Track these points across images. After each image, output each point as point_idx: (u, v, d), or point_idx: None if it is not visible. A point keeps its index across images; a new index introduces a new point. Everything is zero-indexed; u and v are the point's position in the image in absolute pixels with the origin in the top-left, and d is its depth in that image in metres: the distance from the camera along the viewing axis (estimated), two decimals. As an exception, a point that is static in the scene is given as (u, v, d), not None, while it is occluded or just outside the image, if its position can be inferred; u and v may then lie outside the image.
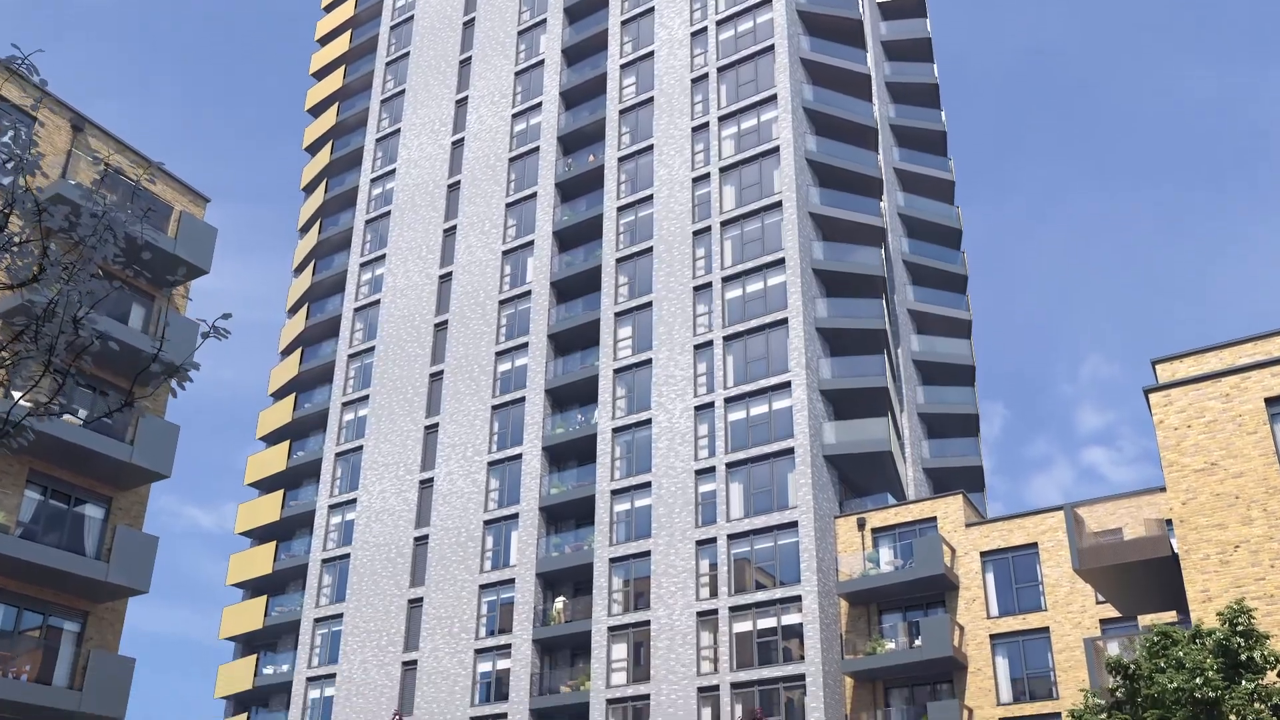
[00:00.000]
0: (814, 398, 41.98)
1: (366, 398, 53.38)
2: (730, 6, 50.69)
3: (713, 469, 42.20)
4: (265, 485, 55.27)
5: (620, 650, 41.47)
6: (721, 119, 48.54)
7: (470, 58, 58.93)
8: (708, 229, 46.72)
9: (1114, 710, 19.57)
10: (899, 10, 60.58)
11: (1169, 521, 25.86)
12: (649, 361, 45.83)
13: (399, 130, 59.65)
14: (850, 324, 44.10)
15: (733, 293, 44.98)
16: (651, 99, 51.29)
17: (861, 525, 39.92)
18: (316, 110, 65.83)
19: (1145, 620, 31.45)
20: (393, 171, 58.70)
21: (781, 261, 44.14)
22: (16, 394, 6.73)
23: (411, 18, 62.69)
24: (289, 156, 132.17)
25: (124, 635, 26.34)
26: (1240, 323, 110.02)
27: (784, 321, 43.07)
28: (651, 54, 52.35)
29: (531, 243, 51.80)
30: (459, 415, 49.84)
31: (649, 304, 46.95)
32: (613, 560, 42.95)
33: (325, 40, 68.09)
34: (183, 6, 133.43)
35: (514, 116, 55.58)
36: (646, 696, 40.03)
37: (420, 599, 47.12)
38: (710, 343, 44.52)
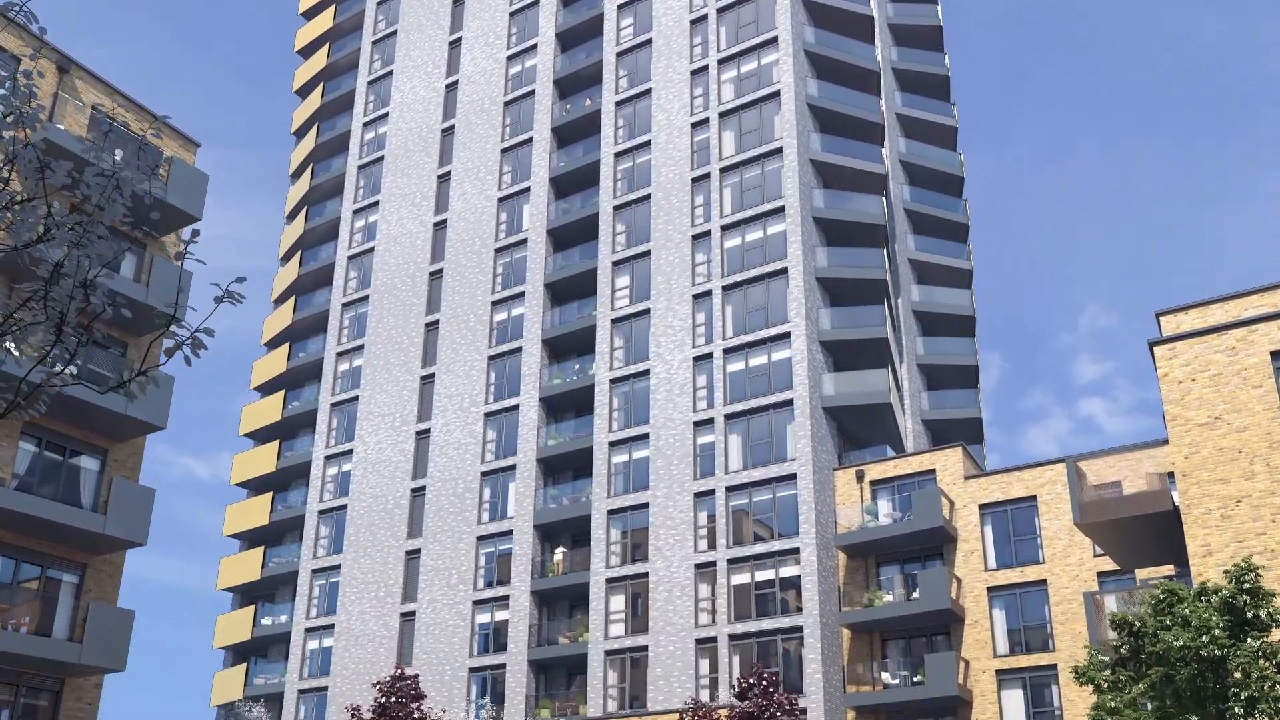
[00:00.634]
0: (813, 349, 41.72)
1: (361, 347, 52.94)
2: (731, -53, 49.50)
3: (711, 420, 42.03)
4: (260, 436, 55.01)
5: (618, 602, 41.61)
6: (721, 62, 47.66)
7: (463, -4, 57.62)
8: (707, 176, 46.08)
9: (1117, 667, 19.55)
10: (902, -48, 59.33)
11: (1170, 475, 25.82)
12: (647, 311, 45.44)
13: (391, 73, 58.49)
14: (851, 274, 43.71)
15: (732, 241, 44.49)
16: (649, 41, 50.29)
17: (860, 478, 39.91)
18: (306, 51, 64.46)
19: (1143, 574, 31.59)
20: (385, 115, 57.64)
21: (781, 209, 43.61)
22: (20, 357, 6.37)
23: (403, -44, 61.18)
24: (279, 99, 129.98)
25: (121, 586, 26.12)
26: (1242, 273, 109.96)
27: (784, 271, 42.65)
28: (649, -7, 51.22)
29: (528, 189, 51.06)
30: (455, 366, 49.49)
31: (647, 253, 46.43)
32: (611, 512, 42.93)
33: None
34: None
35: (509, 59, 54.50)
36: (644, 648, 40.24)
37: (418, 551, 47.13)
38: (709, 292, 44.11)
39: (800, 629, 37.48)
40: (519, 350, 48.06)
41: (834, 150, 45.62)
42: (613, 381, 45.06)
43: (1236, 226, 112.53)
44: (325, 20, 63.04)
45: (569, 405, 46.69)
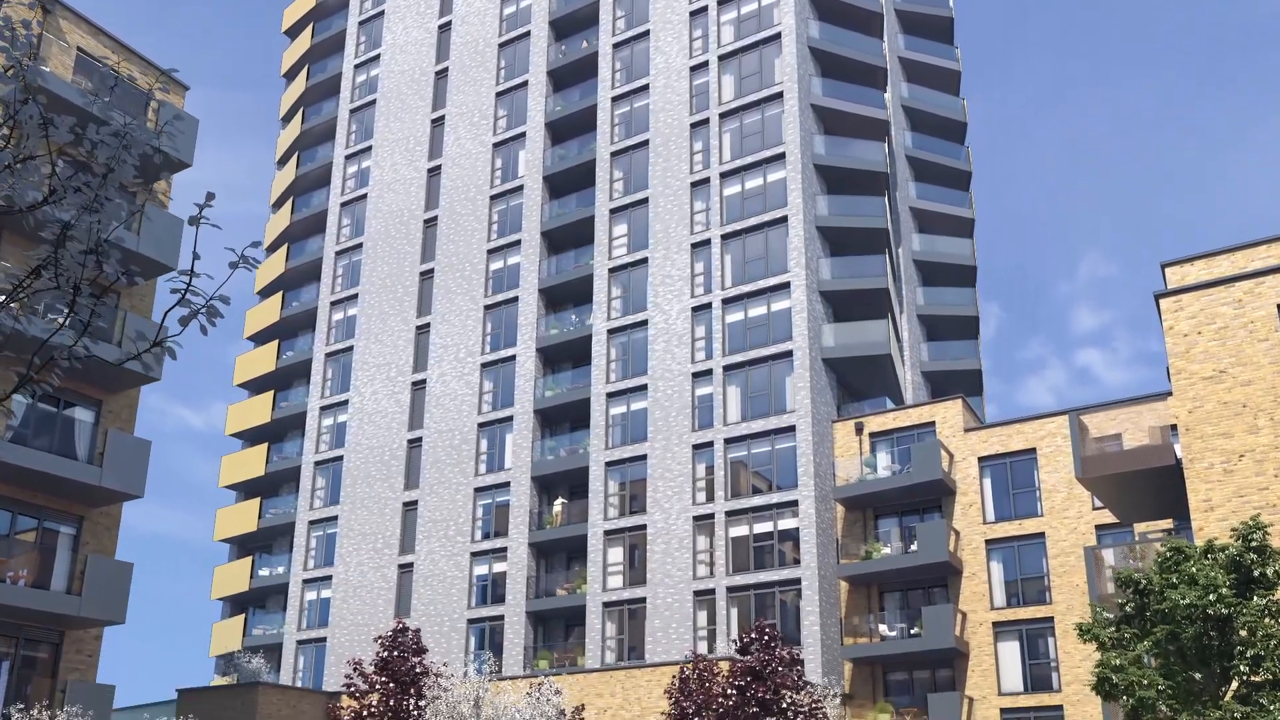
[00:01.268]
0: (813, 299, 41.36)
1: (355, 296, 52.34)
2: (732, -114, 48.18)
3: (710, 372, 41.77)
4: (255, 386, 54.56)
5: (616, 554, 41.66)
6: (721, 2, 46.62)
7: (456, -65, 56.15)
8: (705, 121, 45.30)
9: (1122, 624, 19.54)
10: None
11: (1172, 428, 25.69)
12: (645, 260, 44.92)
13: (383, 13, 57.13)
14: (852, 222, 43.18)
15: (731, 189, 43.87)
16: (648, -21, 49.13)
17: (859, 430, 39.79)
18: (295, -10, 62.96)
19: (1141, 527, 31.65)
20: (377, 57, 56.43)
21: (782, 156, 42.94)
22: (29, 326, 5.99)
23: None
24: (269, 39, 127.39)
25: (119, 537, 25.96)
26: (1243, 220, 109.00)
27: (784, 219, 42.12)
28: (648, -67, 49.94)
29: (523, 134, 50.18)
30: (451, 315, 49.00)
31: (645, 200, 45.78)
32: (608, 464, 42.80)
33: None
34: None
35: (503, -1, 53.24)
36: (643, 600, 40.36)
37: (415, 502, 47.02)
38: (708, 241, 43.58)
39: (798, 581, 37.58)
40: (515, 300, 47.58)
41: (835, 95, 44.82)
42: (610, 332, 44.69)
43: (1239, 172, 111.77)
44: (314, -42, 61.48)
45: (566, 356, 46.34)
